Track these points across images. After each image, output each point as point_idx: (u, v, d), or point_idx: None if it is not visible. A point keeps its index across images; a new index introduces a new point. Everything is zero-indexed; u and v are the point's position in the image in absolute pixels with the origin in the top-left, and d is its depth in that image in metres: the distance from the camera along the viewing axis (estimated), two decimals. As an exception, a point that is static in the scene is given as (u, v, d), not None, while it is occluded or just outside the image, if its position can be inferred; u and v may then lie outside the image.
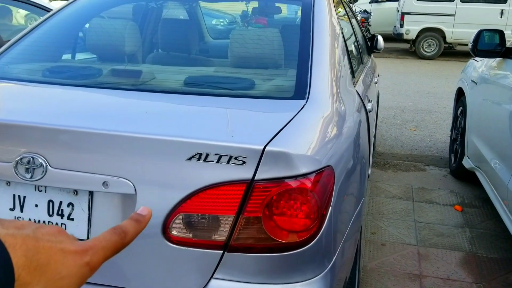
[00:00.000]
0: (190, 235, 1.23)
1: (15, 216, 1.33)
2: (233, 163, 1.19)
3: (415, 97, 7.31)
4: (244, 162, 1.19)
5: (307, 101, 1.54)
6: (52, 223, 1.30)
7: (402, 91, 7.68)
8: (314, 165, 1.27)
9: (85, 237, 1.29)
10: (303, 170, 1.23)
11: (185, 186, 1.21)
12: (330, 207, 1.32)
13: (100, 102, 1.55)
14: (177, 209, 1.22)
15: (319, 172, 1.28)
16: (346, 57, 2.06)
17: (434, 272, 2.65)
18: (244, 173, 1.19)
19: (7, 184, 1.33)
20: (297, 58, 1.74)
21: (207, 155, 1.19)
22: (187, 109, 1.49)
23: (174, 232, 1.23)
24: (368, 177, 2.34)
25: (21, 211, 1.32)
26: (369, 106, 2.20)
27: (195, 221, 1.22)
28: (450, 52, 12.23)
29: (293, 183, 1.22)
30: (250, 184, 1.19)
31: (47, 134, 1.27)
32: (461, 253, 2.85)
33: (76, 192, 1.29)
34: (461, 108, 3.98)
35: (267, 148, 1.19)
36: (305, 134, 1.36)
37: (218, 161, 1.19)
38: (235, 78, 1.81)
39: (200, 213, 1.21)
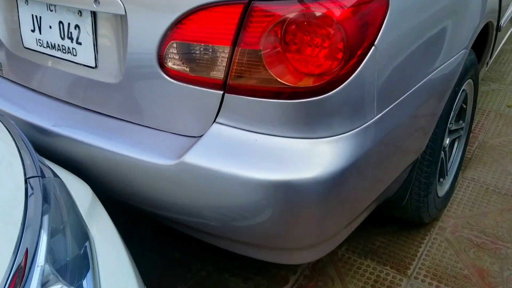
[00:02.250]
0: (187, 69, 1.03)
1: (36, 38, 1.27)
2: (227, -24, 0.90)
3: None
4: (240, -25, 0.89)
5: None
6: (65, 47, 1.21)
7: None
8: (350, -16, 0.91)
9: (93, 63, 1.18)
10: (329, -10, 0.89)
11: (176, 6, 0.97)
12: (373, 48, 0.97)
13: None
14: (169, 35, 1.01)
15: (360, -4, 0.92)
16: None
17: None
18: (240, -10, 0.90)
19: (25, 3, 1.26)
20: None
21: (198, -36, 0.92)
22: None
23: (169, 64, 1.04)
24: (499, 30, 1.77)
25: (40, 32, 1.26)
26: None
27: (190, 51, 1.01)
28: None
29: (312, 6, 0.89)
30: (247, 6, 0.91)
31: None
32: None
33: (80, 12, 1.15)
34: None
35: (270, -47, 0.87)
36: None
37: (210, -27, 0.91)
38: None
39: (194, 42, 0.99)
